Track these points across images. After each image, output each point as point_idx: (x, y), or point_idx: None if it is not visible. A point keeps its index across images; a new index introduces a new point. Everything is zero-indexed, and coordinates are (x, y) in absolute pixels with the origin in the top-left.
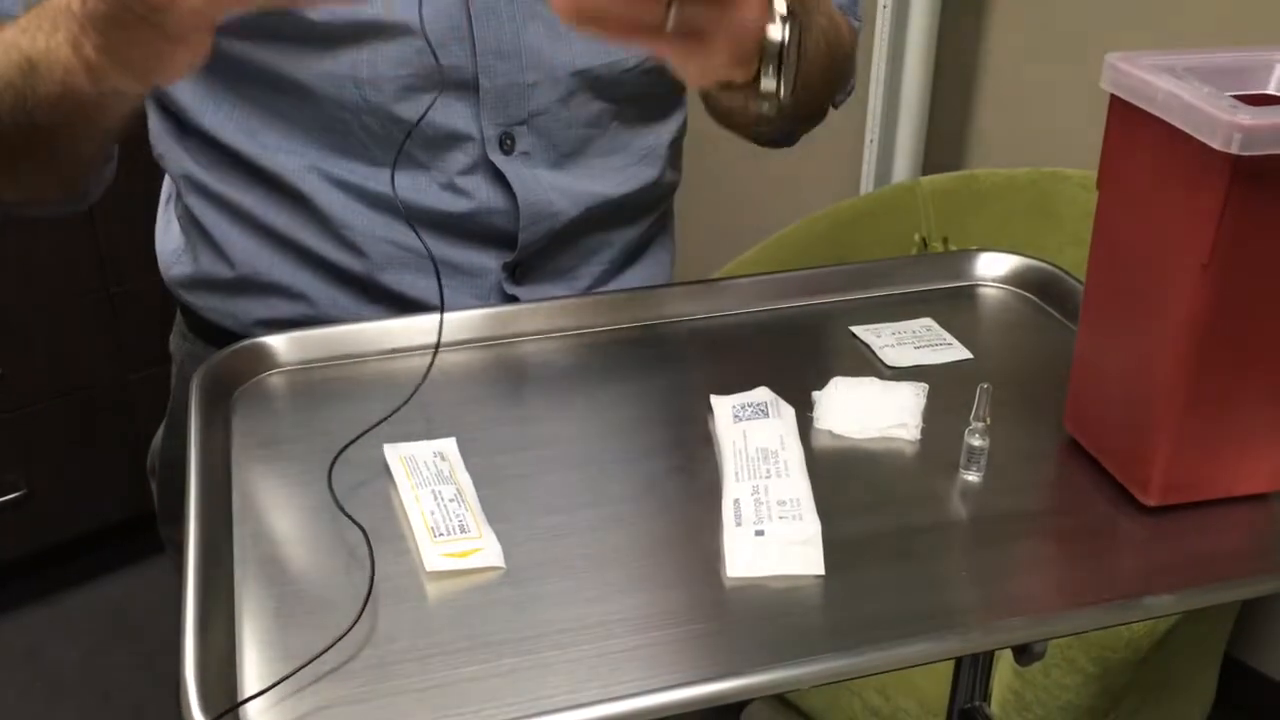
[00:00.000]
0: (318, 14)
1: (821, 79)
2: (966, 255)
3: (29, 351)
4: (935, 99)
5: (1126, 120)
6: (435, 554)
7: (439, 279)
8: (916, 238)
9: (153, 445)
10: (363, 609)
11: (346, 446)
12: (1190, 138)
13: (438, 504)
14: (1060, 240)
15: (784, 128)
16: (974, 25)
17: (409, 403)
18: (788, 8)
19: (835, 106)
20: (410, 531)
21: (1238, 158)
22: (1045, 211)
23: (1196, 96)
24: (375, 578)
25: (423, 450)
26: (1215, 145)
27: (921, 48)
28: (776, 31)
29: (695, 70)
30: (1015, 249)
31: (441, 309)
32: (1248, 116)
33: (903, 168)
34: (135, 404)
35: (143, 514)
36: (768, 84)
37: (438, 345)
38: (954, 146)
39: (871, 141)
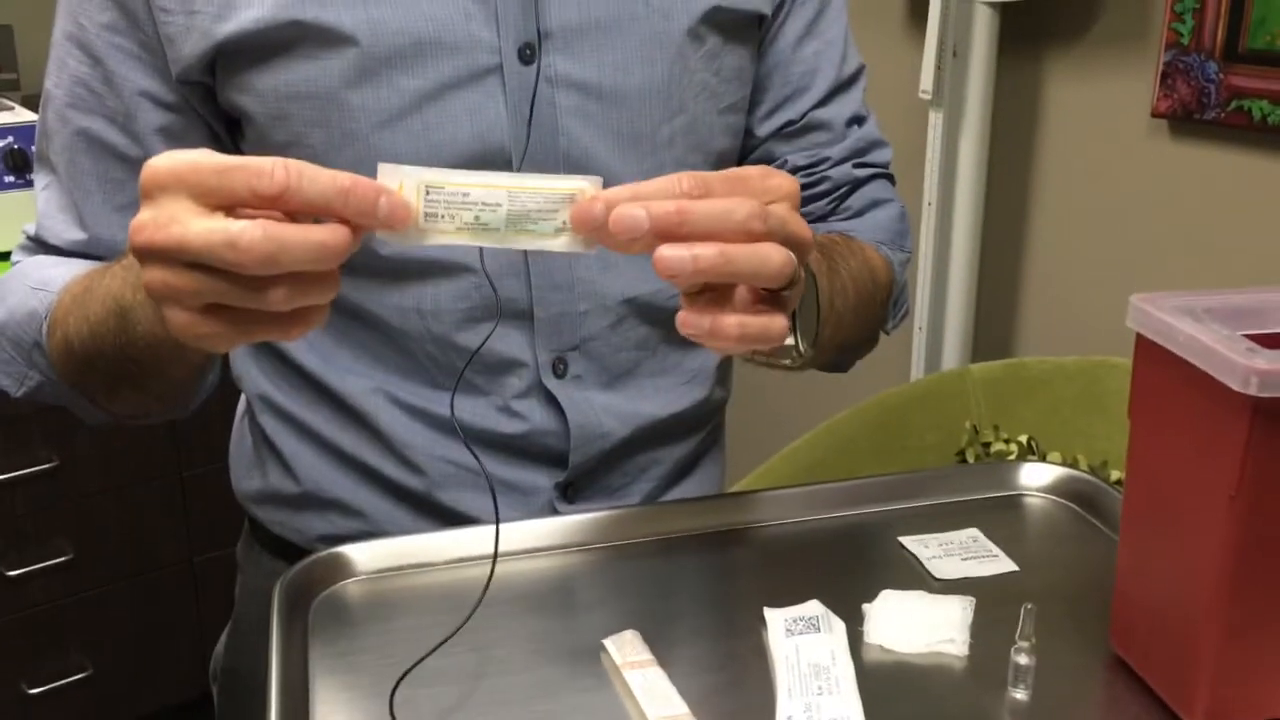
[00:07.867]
0: (389, 250)
1: (855, 321)
2: (1010, 466)
3: (102, 535)
4: (982, 287)
5: (1152, 358)
6: None
7: (494, 497)
8: (968, 425)
9: (215, 652)
10: None
11: (411, 668)
12: (1212, 378)
13: None
14: (1109, 428)
15: (823, 365)
16: (1019, 215)
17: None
18: (798, 268)
19: (887, 333)
20: None
21: (1257, 399)
22: (1094, 399)
23: (1215, 340)
24: None
25: None
26: (1234, 387)
27: (967, 238)
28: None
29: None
30: (1065, 437)
31: (497, 524)
32: (1264, 360)
33: (952, 355)
34: (200, 588)
35: (202, 697)
36: (786, 339)
37: (495, 557)
38: (1003, 334)
39: (920, 329)
